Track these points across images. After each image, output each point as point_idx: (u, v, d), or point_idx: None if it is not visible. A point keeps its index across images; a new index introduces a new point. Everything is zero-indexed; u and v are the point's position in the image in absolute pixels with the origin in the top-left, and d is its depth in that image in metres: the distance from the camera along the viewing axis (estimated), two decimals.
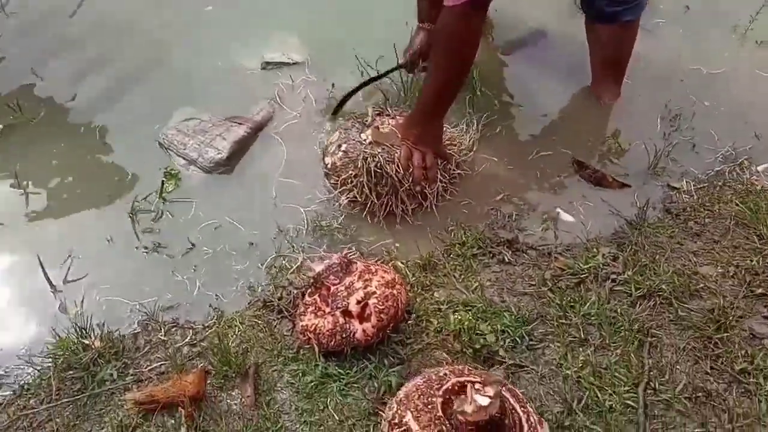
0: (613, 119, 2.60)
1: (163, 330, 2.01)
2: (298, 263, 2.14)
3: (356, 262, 1.92)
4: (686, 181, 2.39)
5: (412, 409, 1.49)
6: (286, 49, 2.82)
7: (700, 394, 1.77)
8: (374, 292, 1.82)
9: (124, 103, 2.67)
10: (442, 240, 2.22)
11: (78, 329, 1.94)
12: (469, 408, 1.39)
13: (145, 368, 1.92)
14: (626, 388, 1.78)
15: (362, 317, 1.81)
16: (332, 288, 1.85)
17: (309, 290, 1.93)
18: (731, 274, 2.07)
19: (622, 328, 1.92)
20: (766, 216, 2.20)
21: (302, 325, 1.87)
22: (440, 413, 1.47)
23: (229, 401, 1.83)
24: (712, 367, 1.83)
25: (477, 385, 1.44)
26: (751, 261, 2.09)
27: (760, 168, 2.44)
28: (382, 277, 1.86)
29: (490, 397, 1.40)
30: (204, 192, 2.38)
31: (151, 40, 2.90)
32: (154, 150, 2.49)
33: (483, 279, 2.10)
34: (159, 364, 1.93)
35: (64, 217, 2.33)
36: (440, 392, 1.52)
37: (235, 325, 2.00)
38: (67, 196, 2.39)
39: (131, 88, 2.71)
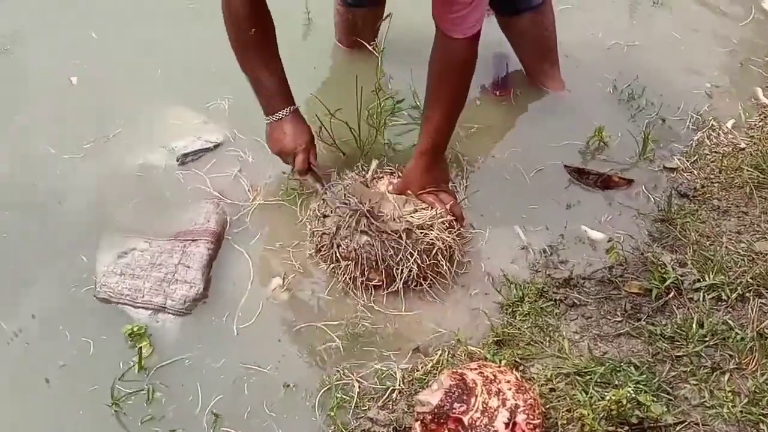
0: (571, 113, 2.43)
1: None
2: (356, 388, 1.71)
3: (466, 374, 1.55)
4: (678, 159, 2.30)
5: None
6: (195, 132, 2.26)
7: None
8: (518, 405, 1.47)
9: (27, 253, 1.97)
10: (497, 303, 1.90)
11: None
12: None
13: None
14: None
15: None
16: (464, 418, 1.46)
17: (422, 427, 1.52)
18: None
19: (742, 339, 1.75)
20: None
21: None
22: None
23: None
24: None
25: None
26: None
27: (728, 125, 2.42)
28: (509, 382, 1.52)
29: None
30: (192, 340, 1.83)
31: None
32: (98, 311, 1.85)
33: (568, 333, 1.83)
34: None
35: None
36: None
37: None
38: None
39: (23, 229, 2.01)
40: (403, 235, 1.78)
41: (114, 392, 1.69)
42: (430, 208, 1.90)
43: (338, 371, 1.76)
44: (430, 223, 1.83)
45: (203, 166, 2.19)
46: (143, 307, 1.84)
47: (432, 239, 1.79)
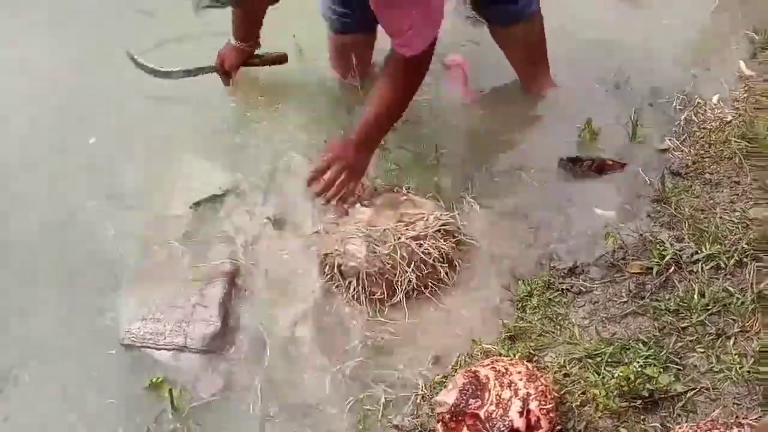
0: (562, 110, 2.52)
1: None
2: (382, 399, 1.81)
3: (479, 370, 1.64)
4: (668, 139, 2.37)
5: None
6: (205, 180, 2.39)
7: None
8: (529, 394, 1.55)
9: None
10: (507, 300, 1.99)
11: None
12: None
13: None
14: None
15: (531, 428, 1.54)
16: (480, 413, 1.55)
17: (443, 427, 1.61)
18: None
19: (743, 302, 1.81)
20: (764, 140, 2.22)
21: None
22: None
23: None
24: None
25: None
26: None
27: (714, 100, 2.49)
28: (519, 372, 1.61)
29: None
30: (217, 377, 1.94)
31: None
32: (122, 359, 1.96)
33: (577, 319, 1.91)
34: None
35: None
36: None
37: None
38: None
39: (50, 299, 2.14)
40: (398, 249, 1.87)
41: None
42: (422, 218, 1.98)
43: (362, 384, 1.85)
44: (424, 233, 1.92)
45: (217, 210, 2.30)
46: (165, 349, 1.96)
47: (427, 248, 1.89)
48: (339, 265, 1.95)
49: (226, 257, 2.14)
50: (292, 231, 2.20)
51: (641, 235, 2.06)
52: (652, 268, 1.96)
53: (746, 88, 2.51)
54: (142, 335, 1.99)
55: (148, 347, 1.98)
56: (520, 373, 1.60)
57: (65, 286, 2.12)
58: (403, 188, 2.18)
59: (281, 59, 2.59)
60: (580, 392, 1.72)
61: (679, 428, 1.44)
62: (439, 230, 1.96)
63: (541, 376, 1.63)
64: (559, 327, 1.90)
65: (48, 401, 1.88)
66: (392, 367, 1.89)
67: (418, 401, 1.81)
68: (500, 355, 1.81)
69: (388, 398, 1.82)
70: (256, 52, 2.55)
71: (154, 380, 1.89)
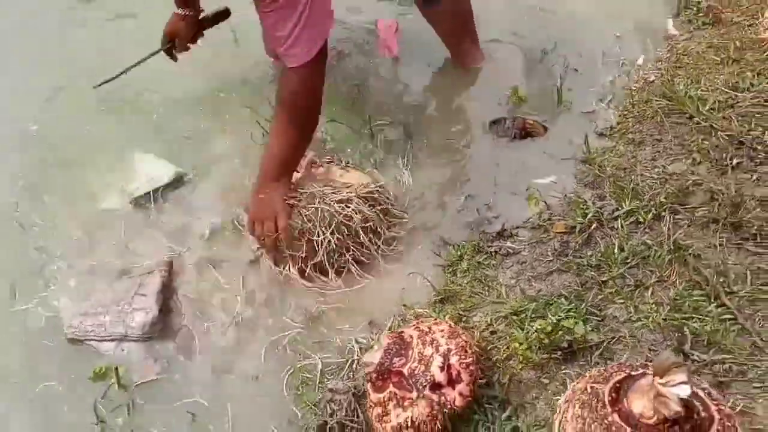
0: (494, 78, 2.58)
1: None
2: (318, 366, 1.86)
3: (404, 331, 1.70)
4: (594, 102, 2.44)
5: None
6: (143, 173, 2.38)
7: None
8: (450, 349, 1.61)
9: None
10: (439, 265, 2.05)
11: None
12: (674, 405, 1.26)
13: None
14: (712, 306, 1.75)
15: (452, 381, 1.60)
16: (404, 369, 1.61)
17: (372, 386, 1.67)
18: (698, 161, 2.13)
19: (661, 254, 1.89)
20: (683, 97, 2.29)
21: (394, 426, 1.61)
22: (629, 428, 1.33)
23: None
24: (757, 245, 1.86)
25: (656, 381, 1.31)
26: (701, 140, 2.16)
27: (639, 62, 2.56)
28: (442, 330, 1.66)
29: (684, 382, 1.27)
30: (160, 359, 1.97)
31: None
32: (68, 353, 1.99)
33: (505, 279, 1.97)
34: None
35: None
36: (608, 408, 1.37)
37: None
38: None
39: None
40: (319, 210, 1.93)
41: (97, 411, 1.84)
42: (348, 186, 2.03)
43: (300, 354, 1.90)
44: (347, 198, 1.97)
45: (156, 204, 2.31)
46: (106, 340, 1.99)
47: (349, 213, 1.94)
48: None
49: (164, 247, 2.17)
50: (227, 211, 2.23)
51: (566, 196, 2.13)
52: (575, 227, 2.02)
53: (669, 47, 2.57)
54: (85, 328, 2.01)
55: (92, 339, 2.01)
56: (442, 331, 1.66)
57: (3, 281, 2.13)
58: (343, 161, 2.22)
59: (225, 14, 2.56)
60: (505, 347, 1.78)
61: (589, 373, 1.50)
62: (366, 198, 2.00)
63: (462, 333, 1.68)
64: (487, 288, 1.96)
65: None
66: (328, 335, 1.95)
67: (354, 366, 1.85)
68: (430, 317, 1.87)
69: (326, 364, 1.87)
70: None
71: (97, 370, 1.93)
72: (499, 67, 2.60)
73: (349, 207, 1.96)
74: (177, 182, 2.35)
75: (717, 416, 1.34)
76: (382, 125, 2.43)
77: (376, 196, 2.04)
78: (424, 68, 2.67)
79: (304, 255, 1.97)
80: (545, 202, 2.10)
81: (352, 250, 1.98)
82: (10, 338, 2.01)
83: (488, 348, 1.79)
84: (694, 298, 1.78)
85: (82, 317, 2.02)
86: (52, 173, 2.42)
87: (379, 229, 2.02)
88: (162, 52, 2.52)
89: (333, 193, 1.99)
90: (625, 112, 2.37)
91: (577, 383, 1.49)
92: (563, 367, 1.71)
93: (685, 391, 1.25)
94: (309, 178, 2.08)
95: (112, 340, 2.00)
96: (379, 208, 2.03)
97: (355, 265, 2.00)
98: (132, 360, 1.96)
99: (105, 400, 1.87)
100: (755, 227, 1.88)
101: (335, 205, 1.96)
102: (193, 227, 2.23)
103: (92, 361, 1.96)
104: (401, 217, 2.13)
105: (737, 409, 1.55)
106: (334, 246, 1.95)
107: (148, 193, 2.31)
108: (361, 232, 1.96)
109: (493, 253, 2.04)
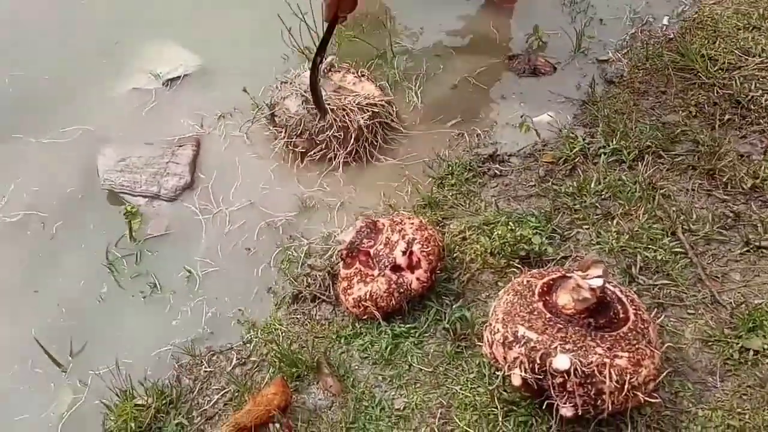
0: (522, 19, 2.68)
1: (205, 362, 1.87)
2: (305, 247, 2.07)
3: (379, 220, 1.88)
4: (611, 52, 2.52)
5: (520, 322, 1.49)
6: (173, 59, 2.63)
7: (729, 219, 1.90)
8: (414, 239, 1.79)
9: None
10: (430, 176, 2.21)
11: (123, 393, 1.77)
12: (585, 293, 1.41)
13: (207, 405, 1.79)
14: (667, 240, 1.87)
15: (412, 266, 1.78)
16: (371, 250, 1.80)
17: (342, 263, 1.86)
18: (693, 114, 2.22)
19: (633, 191, 2.01)
20: (695, 55, 2.36)
21: (355, 298, 1.81)
22: (549, 314, 1.49)
23: (314, 399, 1.74)
24: (726, 193, 1.96)
25: (576, 274, 1.46)
26: (704, 95, 2.24)
27: (665, 20, 2.62)
28: (413, 223, 1.83)
29: (599, 276, 1.42)
30: (180, 219, 2.22)
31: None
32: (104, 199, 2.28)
33: (486, 197, 2.12)
34: (220, 395, 1.80)
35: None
36: (536, 297, 1.53)
37: (276, 329, 1.90)
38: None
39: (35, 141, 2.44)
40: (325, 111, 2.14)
41: (108, 257, 2.10)
42: (356, 95, 2.21)
43: (290, 237, 2.11)
44: (350, 106, 2.16)
45: (185, 87, 2.55)
46: (141, 196, 2.26)
47: (351, 120, 2.12)
48: (276, 116, 2.23)
49: (196, 124, 2.43)
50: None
51: (560, 130, 2.25)
52: (562, 158, 2.15)
53: (697, 10, 2.63)
54: (120, 183, 2.28)
55: (125, 193, 2.28)
56: (413, 224, 1.83)
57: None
58: (358, 72, 2.38)
59: None
60: (471, 252, 1.94)
61: (532, 271, 1.66)
62: (367, 108, 2.18)
63: (430, 228, 1.85)
64: (468, 201, 2.11)
65: None
66: (317, 222, 2.14)
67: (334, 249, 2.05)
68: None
69: (312, 249, 2.07)
70: None
71: (129, 208, 2.19)
72: (527, 7, 2.69)
73: (352, 112, 2.15)
74: (204, 69, 2.58)
75: (633, 318, 1.49)
76: (402, 49, 2.57)
77: (377, 110, 2.21)
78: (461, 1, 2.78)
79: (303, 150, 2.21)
80: (536, 130, 2.22)
81: (354, 151, 2.19)
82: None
83: (456, 249, 1.95)
84: (653, 230, 1.90)
85: (117, 173, 2.29)
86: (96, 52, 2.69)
87: (373, 140, 2.21)
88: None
89: (338, 98, 2.19)
90: (638, 64, 2.45)
91: (518, 277, 1.65)
92: (519, 275, 1.86)
93: (597, 282, 1.40)
94: (324, 81, 2.25)
95: (145, 196, 2.27)
96: (378, 120, 2.20)
97: (360, 164, 2.23)
98: (155, 214, 2.23)
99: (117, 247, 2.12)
100: (727, 176, 1.98)
101: (338, 111, 2.17)
102: (216, 110, 2.46)
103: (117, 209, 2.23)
104: (399, 131, 2.29)
105: (667, 327, 1.68)
106: (329, 143, 2.17)
107: (178, 77, 2.54)
108: (361, 137, 2.18)
109: (481, 173, 2.19)
